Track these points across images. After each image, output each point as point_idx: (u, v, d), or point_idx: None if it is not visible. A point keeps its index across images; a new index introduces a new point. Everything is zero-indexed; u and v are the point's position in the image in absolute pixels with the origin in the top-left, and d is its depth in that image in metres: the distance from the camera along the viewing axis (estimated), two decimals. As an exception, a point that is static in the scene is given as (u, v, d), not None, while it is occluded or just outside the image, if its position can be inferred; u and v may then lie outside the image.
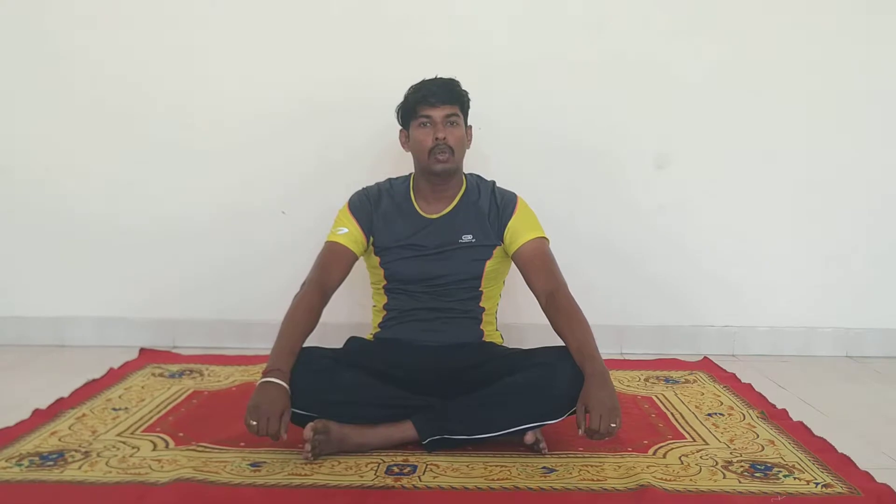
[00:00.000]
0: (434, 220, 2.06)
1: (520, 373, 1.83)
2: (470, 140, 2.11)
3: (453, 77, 2.05)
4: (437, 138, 1.98)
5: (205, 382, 2.41)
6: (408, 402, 1.86)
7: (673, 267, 2.86)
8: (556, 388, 1.79)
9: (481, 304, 2.08)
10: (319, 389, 1.80)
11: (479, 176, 2.17)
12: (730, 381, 2.46)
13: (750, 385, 2.41)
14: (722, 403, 2.24)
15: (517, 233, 2.04)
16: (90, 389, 2.30)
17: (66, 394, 2.23)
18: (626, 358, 2.80)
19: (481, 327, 2.09)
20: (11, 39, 2.77)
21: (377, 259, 2.07)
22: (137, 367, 2.54)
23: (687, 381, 2.47)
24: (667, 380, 2.49)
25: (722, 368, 2.61)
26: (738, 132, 2.81)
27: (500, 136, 2.74)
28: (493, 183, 2.16)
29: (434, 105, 1.98)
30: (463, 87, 2.04)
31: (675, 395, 2.33)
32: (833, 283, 2.87)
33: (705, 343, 2.86)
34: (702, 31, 2.77)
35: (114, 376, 2.44)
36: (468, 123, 2.09)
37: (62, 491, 1.63)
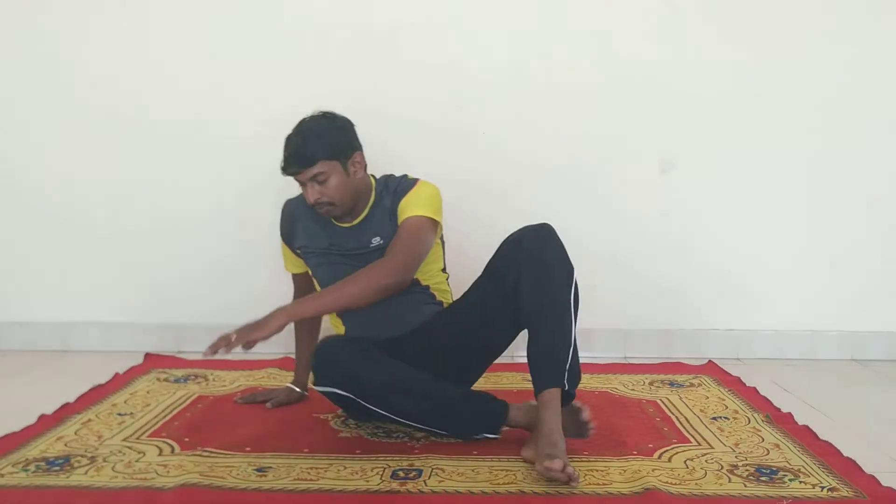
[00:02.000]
0: (347, 228, 2.06)
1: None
2: (360, 167, 2.02)
3: (312, 129, 1.97)
4: (312, 200, 1.97)
5: (210, 387, 2.42)
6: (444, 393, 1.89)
7: (677, 271, 2.86)
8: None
9: (423, 284, 2.08)
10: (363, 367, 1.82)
11: (389, 177, 2.11)
12: (735, 385, 2.46)
13: (755, 389, 2.41)
14: (727, 407, 2.24)
15: (402, 212, 2.01)
16: (96, 394, 2.31)
17: (71, 399, 2.24)
18: (631, 362, 2.80)
19: (437, 299, 2.11)
20: (9, 43, 2.79)
21: (308, 268, 2.14)
22: (142, 372, 2.55)
23: (692, 385, 2.47)
24: (671, 384, 2.49)
25: (727, 372, 2.61)
26: (742, 136, 2.81)
27: (501, 139, 2.75)
28: (403, 177, 2.10)
29: (294, 173, 1.97)
30: (322, 137, 1.95)
31: (680, 398, 2.32)
32: (838, 286, 2.87)
33: (710, 347, 2.86)
34: (704, 36, 2.77)
35: (119, 381, 2.45)
36: (348, 157, 1.98)
37: (68, 496, 1.64)
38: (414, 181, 2.07)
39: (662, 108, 2.80)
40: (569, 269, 1.88)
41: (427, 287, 2.09)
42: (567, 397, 1.81)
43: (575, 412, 1.85)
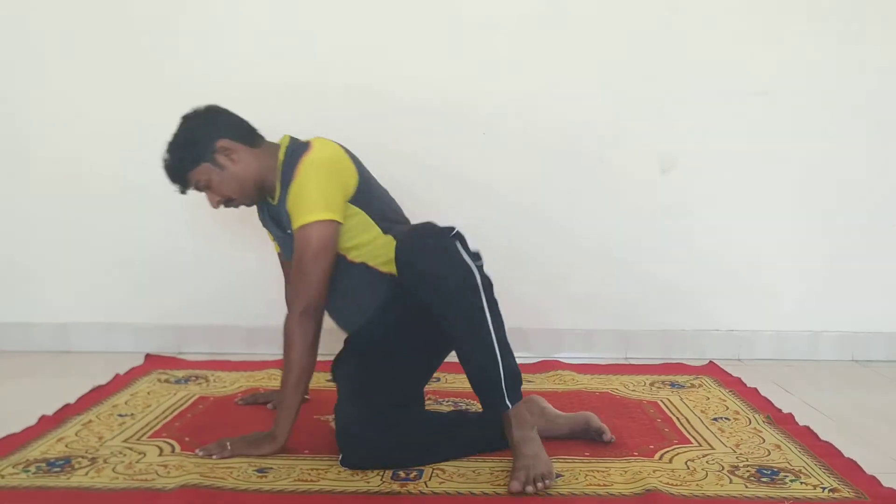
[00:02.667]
0: (276, 206, 1.95)
1: None
2: (232, 152, 1.88)
3: (172, 143, 1.90)
4: (213, 206, 1.96)
5: (210, 388, 2.42)
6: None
7: (678, 271, 2.86)
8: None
9: (358, 262, 1.90)
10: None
11: (294, 145, 1.92)
12: (735, 386, 2.46)
13: (756, 389, 2.41)
14: (728, 408, 2.24)
15: (291, 215, 1.84)
16: (96, 395, 2.31)
17: (72, 400, 2.24)
18: (632, 362, 2.80)
19: (384, 271, 1.89)
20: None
21: None
22: (143, 373, 2.55)
23: (692, 386, 2.46)
24: (672, 384, 2.48)
25: (727, 373, 2.60)
26: (743, 135, 2.81)
27: (501, 139, 2.75)
28: (300, 146, 1.90)
29: (181, 192, 1.95)
30: (180, 148, 1.89)
31: (681, 399, 2.32)
32: (839, 286, 2.87)
33: (711, 347, 2.86)
34: (704, 34, 2.77)
35: (120, 382, 2.45)
36: (211, 153, 1.87)
37: (69, 497, 1.63)
38: (302, 153, 1.85)
39: (662, 107, 2.79)
40: (463, 272, 1.66)
41: (363, 264, 1.90)
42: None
43: (594, 432, 1.92)
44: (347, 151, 1.93)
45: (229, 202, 1.95)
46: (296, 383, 1.83)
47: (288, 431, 1.86)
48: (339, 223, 1.83)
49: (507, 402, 1.70)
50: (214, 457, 1.82)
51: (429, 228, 1.73)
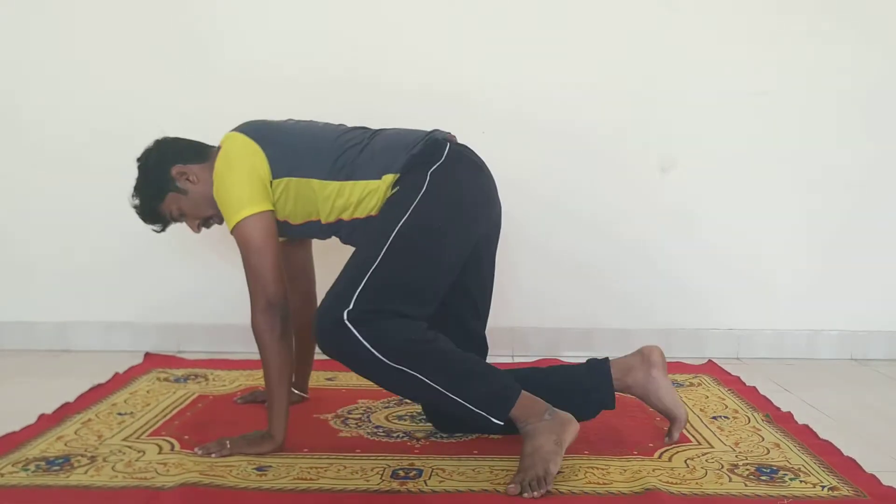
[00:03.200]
0: None
1: None
2: (189, 174, 1.91)
3: (135, 201, 1.95)
4: (196, 232, 2.00)
5: (210, 387, 2.42)
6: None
7: (676, 270, 2.86)
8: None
9: (342, 220, 1.87)
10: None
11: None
12: (734, 385, 2.46)
13: (755, 388, 2.41)
14: (727, 406, 2.24)
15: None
16: (96, 394, 2.31)
17: (71, 398, 2.24)
18: (631, 361, 2.79)
19: (366, 216, 1.85)
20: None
21: None
22: (142, 372, 2.55)
23: (691, 385, 2.47)
24: (672, 383, 2.48)
25: (726, 371, 2.61)
26: (742, 134, 2.81)
27: (502, 136, 2.75)
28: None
29: (159, 231, 2.01)
30: (143, 190, 1.93)
31: (680, 398, 2.32)
32: (838, 285, 2.87)
33: (710, 346, 2.86)
34: (704, 32, 2.77)
35: (119, 381, 2.45)
36: (171, 184, 1.91)
37: (69, 496, 1.63)
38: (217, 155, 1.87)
39: (661, 107, 2.80)
40: (368, 357, 1.63)
41: (340, 221, 1.88)
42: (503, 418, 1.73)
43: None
44: (254, 129, 1.88)
45: (207, 221, 1.98)
46: (278, 379, 1.84)
47: (284, 428, 1.86)
48: (267, 210, 1.81)
49: (496, 420, 1.72)
50: (213, 455, 1.82)
51: (320, 332, 1.67)
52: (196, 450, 1.85)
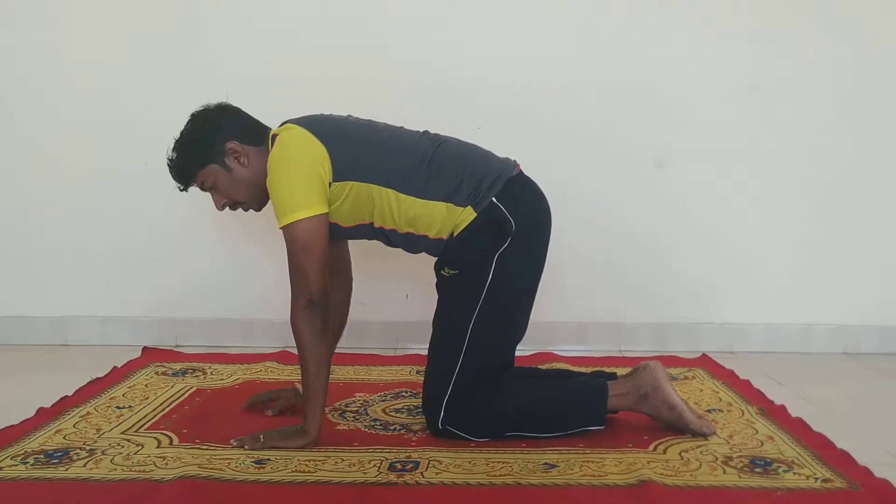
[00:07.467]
0: None
1: None
2: (240, 155, 1.86)
3: (180, 141, 1.87)
4: (219, 208, 1.93)
5: (208, 381, 2.43)
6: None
7: (671, 264, 2.87)
8: None
9: (395, 230, 1.90)
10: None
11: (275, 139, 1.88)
12: (728, 378, 2.47)
13: (748, 381, 2.42)
14: (721, 400, 2.26)
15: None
16: (94, 388, 2.31)
17: (70, 392, 2.25)
18: (625, 355, 2.81)
19: (434, 236, 1.90)
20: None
21: None
22: (141, 366, 2.56)
23: (686, 378, 2.48)
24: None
25: (720, 365, 2.62)
26: (737, 129, 2.82)
27: (501, 132, 2.75)
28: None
29: (183, 190, 1.93)
30: (188, 147, 1.86)
31: (675, 391, 2.33)
32: (831, 279, 2.89)
33: (704, 340, 2.88)
34: (704, 30, 2.79)
35: (117, 375, 2.46)
36: (221, 154, 1.85)
37: (67, 489, 1.64)
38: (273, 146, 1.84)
39: (658, 105, 2.80)
40: (478, 442, 1.90)
41: (394, 231, 1.90)
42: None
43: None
44: (317, 125, 1.85)
45: (236, 205, 1.92)
46: (315, 375, 1.83)
47: (319, 424, 1.86)
48: (320, 214, 1.79)
49: (599, 427, 1.94)
50: (247, 448, 1.82)
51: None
52: (231, 442, 1.85)
